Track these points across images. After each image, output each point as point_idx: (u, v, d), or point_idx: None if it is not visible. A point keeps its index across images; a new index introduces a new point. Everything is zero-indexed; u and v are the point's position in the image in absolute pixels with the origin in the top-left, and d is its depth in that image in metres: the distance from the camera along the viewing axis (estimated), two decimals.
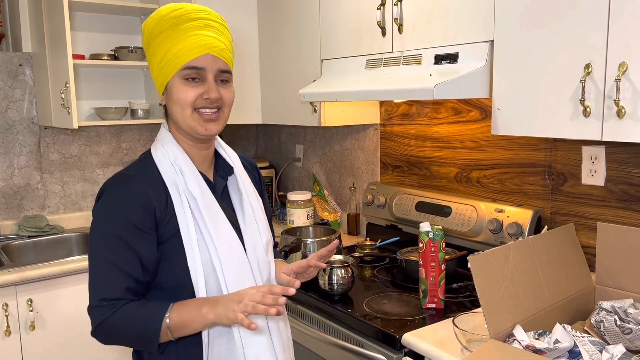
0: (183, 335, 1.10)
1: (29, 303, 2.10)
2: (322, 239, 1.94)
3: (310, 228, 2.14)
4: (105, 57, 2.65)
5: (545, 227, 1.59)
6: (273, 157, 3.22)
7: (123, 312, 1.08)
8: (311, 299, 1.80)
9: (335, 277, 1.75)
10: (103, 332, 1.10)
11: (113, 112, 2.69)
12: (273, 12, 2.48)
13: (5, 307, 2.05)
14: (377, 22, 1.88)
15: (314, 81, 2.21)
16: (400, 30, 1.83)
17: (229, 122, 2.43)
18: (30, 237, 2.55)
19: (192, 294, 1.12)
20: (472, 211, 1.95)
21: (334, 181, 2.75)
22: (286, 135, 3.09)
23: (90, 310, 1.11)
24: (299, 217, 2.56)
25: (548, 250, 1.35)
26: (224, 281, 1.13)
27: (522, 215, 1.80)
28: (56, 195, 2.74)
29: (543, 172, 1.83)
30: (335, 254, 1.94)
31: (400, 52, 1.84)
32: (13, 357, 2.09)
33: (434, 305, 1.66)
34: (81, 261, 2.22)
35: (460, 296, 1.77)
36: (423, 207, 2.12)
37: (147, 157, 1.18)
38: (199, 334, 1.13)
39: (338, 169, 2.72)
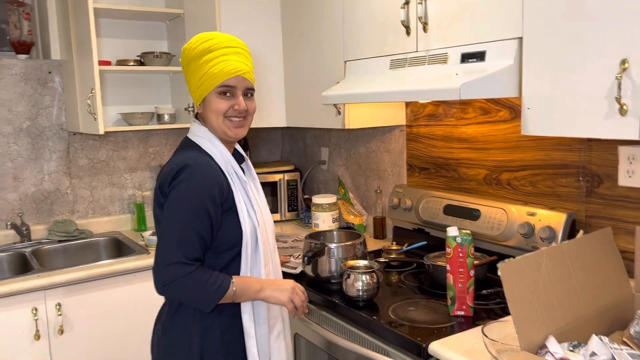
0: (239, 301, 1.40)
1: (58, 307, 2.12)
2: (347, 243, 1.89)
3: (335, 232, 2.10)
4: (132, 63, 2.67)
5: (581, 231, 1.52)
6: (298, 160, 3.20)
7: (199, 273, 1.33)
8: (336, 304, 1.76)
9: (360, 283, 1.71)
10: (177, 286, 1.31)
11: (139, 117, 2.71)
12: (296, 14, 2.46)
13: (34, 312, 2.08)
14: (401, 21, 1.83)
15: (337, 83, 2.18)
16: (425, 29, 1.78)
17: (254, 126, 2.45)
18: (59, 241, 2.59)
19: (235, 256, 1.42)
20: (502, 214, 1.88)
21: (359, 184, 2.71)
22: (311, 137, 3.06)
23: (170, 266, 1.31)
24: (324, 221, 2.53)
25: (583, 255, 1.28)
26: (261, 244, 1.45)
27: (555, 219, 1.72)
28: (85, 200, 2.78)
29: (577, 173, 1.76)
30: (359, 258, 1.90)
31: (426, 51, 1.79)
32: None
33: (462, 313, 1.60)
34: (109, 265, 2.24)
35: (490, 303, 1.70)
36: (451, 211, 2.06)
37: (199, 149, 1.44)
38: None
39: (363, 172, 2.67)
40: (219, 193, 1.38)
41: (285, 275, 2.02)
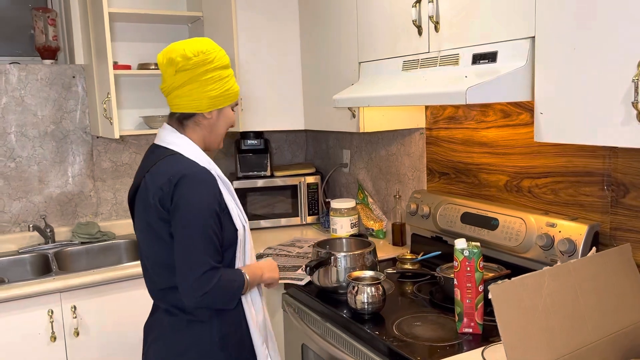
0: (248, 290, 1.49)
1: (73, 310, 2.15)
2: (354, 252, 1.82)
3: (344, 240, 2.03)
4: (152, 67, 2.69)
5: (594, 248, 1.40)
6: (321, 163, 3.14)
7: (224, 275, 1.39)
8: (341, 317, 1.70)
9: (364, 295, 1.64)
10: (213, 293, 1.35)
11: (160, 121, 2.72)
12: (313, 16, 2.40)
13: (50, 314, 2.11)
14: (413, 20, 1.75)
15: (352, 85, 2.11)
16: (436, 29, 1.68)
17: (276, 129, 2.38)
18: (82, 243, 2.63)
19: (232, 256, 1.47)
20: (520, 224, 1.77)
21: (380, 188, 2.63)
22: (334, 140, 3.00)
23: (204, 275, 1.34)
24: (342, 226, 2.46)
25: (594, 276, 1.17)
26: (249, 240, 1.52)
27: (576, 231, 1.60)
28: (108, 202, 2.81)
29: (601, 181, 1.62)
30: (369, 268, 1.82)
31: (437, 52, 1.69)
32: None
33: (470, 330, 1.51)
34: (124, 269, 2.25)
35: None
36: (468, 219, 1.95)
37: (181, 156, 1.44)
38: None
39: (384, 175, 2.59)
40: (218, 196, 1.42)
41: (291, 285, 1.97)
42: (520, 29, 1.41)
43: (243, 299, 1.49)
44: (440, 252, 1.98)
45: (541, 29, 1.35)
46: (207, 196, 1.38)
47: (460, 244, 1.51)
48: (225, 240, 1.44)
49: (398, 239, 2.40)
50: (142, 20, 2.73)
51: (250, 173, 2.86)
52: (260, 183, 2.83)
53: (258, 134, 2.89)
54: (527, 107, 1.83)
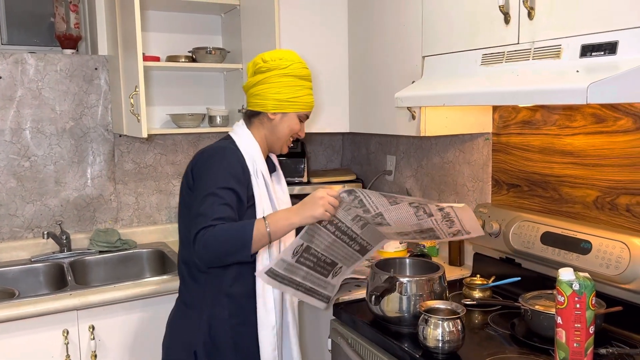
0: (277, 238, 1.41)
1: (91, 330, 1.90)
2: (422, 277, 1.56)
3: (407, 261, 1.76)
4: (182, 59, 2.44)
5: None
6: (360, 169, 2.87)
7: (224, 226, 1.38)
8: (411, 356, 1.43)
9: (440, 331, 1.37)
10: (211, 241, 1.35)
11: (189, 119, 2.47)
12: (365, 5, 2.14)
13: (65, 334, 1.87)
14: (499, 6, 1.48)
15: (412, 82, 1.85)
16: (530, 15, 1.42)
17: (313, 131, 2.07)
18: (100, 252, 2.39)
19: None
20: (622, 249, 1.49)
21: (432, 199, 2.35)
22: (376, 144, 2.73)
23: (204, 228, 1.37)
24: (389, 242, 2.19)
25: None
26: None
27: None
28: (130, 207, 2.57)
29: None
30: (436, 296, 1.56)
31: (530, 42, 1.43)
32: None
33: None
34: (149, 285, 1.99)
35: None
36: (552, 240, 1.68)
37: (231, 142, 1.56)
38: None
39: (437, 186, 2.32)
40: (242, 180, 1.48)
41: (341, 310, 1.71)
42: None
43: (258, 293, 1.52)
44: (520, 279, 1.70)
45: None
46: (223, 171, 1.45)
47: (566, 274, 1.24)
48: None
49: (456, 257, 2.13)
50: (173, 8, 2.49)
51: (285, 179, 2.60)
52: (295, 190, 2.56)
53: None
54: (629, 111, 1.56)
